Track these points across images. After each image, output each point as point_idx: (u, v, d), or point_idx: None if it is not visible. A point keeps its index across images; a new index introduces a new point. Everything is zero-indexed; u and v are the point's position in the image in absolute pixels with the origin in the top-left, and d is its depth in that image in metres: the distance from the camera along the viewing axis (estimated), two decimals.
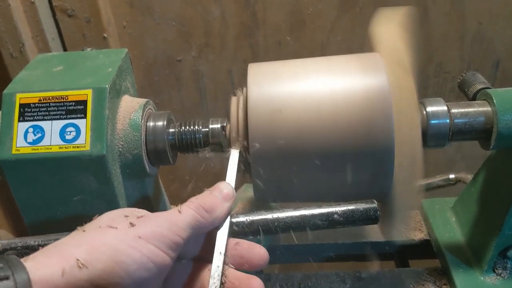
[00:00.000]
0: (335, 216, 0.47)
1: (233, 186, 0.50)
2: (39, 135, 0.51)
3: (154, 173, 0.62)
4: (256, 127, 0.54)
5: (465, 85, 0.63)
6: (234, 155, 0.54)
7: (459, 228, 0.72)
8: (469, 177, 0.74)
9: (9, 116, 0.52)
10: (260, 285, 0.44)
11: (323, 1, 1.03)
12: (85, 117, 0.52)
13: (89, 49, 0.65)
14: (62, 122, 0.52)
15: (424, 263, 0.73)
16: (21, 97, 0.53)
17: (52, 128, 0.52)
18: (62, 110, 0.52)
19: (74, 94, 0.53)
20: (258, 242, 0.47)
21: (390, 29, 0.56)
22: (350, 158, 0.54)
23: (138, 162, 0.56)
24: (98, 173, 0.52)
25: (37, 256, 0.38)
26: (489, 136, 0.56)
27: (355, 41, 1.07)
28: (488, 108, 0.56)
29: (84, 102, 0.52)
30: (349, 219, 0.47)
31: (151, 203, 0.67)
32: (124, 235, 0.40)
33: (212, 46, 1.10)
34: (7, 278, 0.35)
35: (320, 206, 0.47)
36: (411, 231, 0.77)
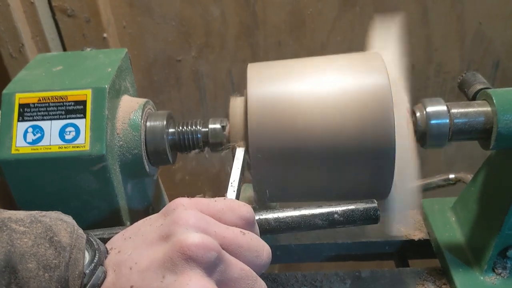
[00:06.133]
0: (335, 216, 0.46)
1: (238, 185, 0.51)
2: (39, 135, 0.51)
3: (154, 173, 0.62)
4: (256, 127, 0.54)
5: (465, 85, 0.63)
6: (239, 154, 0.55)
7: (459, 228, 0.72)
8: (469, 177, 0.74)
9: (8, 116, 0.52)
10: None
11: (323, 1, 1.03)
12: (84, 117, 0.52)
13: (88, 49, 0.65)
14: (62, 122, 0.52)
15: (424, 263, 0.73)
16: (20, 97, 0.53)
17: (51, 128, 0.52)
18: (62, 110, 0.52)
19: (73, 94, 0.53)
20: None
21: (387, 36, 0.57)
22: (350, 158, 0.54)
23: (137, 162, 0.56)
24: (98, 173, 0.52)
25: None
26: (489, 136, 0.56)
27: (355, 41, 1.07)
28: (488, 108, 0.56)
29: (83, 102, 0.52)
30: (349, 219, 0.47)
31: (151, 203, 0.67)
32: None
33: (212, 46, 1.10)
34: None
35: (320, 206, 0.47)
36: (411, 231, 0.77)
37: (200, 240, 0.38)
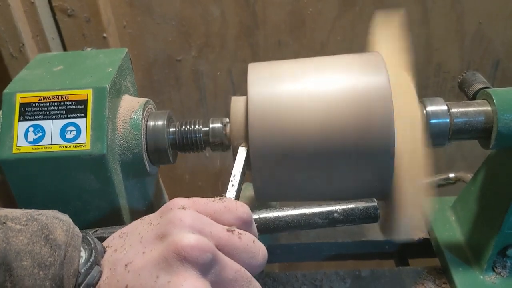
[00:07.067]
0: (335, 214, 0.47)
1: (238, 185, 0.51)
2: (40, 134, 0.52)
3: (155, 172, 0.62)
4: (256, 127, 0.54)
5: (465, 85, 0.63)
6: (241, 153, 0.55)
7: (458, 227, 0.72)
8: (468, 176, 0.74)
9: (9, 116, 0.52)
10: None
11: (323, 1, 1.03)
12: (85, 116, 0.52)
13: (89, 49, 0.65)
14: (63, 122, 0.52)
15: (424, 262, 0.73)
16: (21, 97, 0.53)
17: (52, 127, 0.52)
18: (63, 110, 0.52)
19: (74, 94, 0.53)
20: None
21: (388, 31, 0.57)
22: (350, 157, 0.54)
23: (138, 162, 0.56)
24: (99, 172, 0.52)
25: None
26: (489, 136, 0.56)
27: (355, 41, 1.07)
28: (488, 108, 0.57)
29: (84, 102, 0.52)
30: (349, 218, 0.47)
31: (152, 203, 0.67)
32: None
33: (212, 46, 1.10)
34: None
35: (320, 205, 0.47)
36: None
37: (195, 241, 0.38)
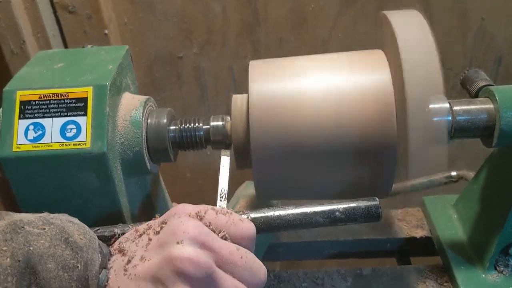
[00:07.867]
0: (337, 213, 0.46)
1: (226, 191, 0.51)
2: (40, 132, 0.51)
3: (155, 170, 0.62)
4: (258, 124, 0.54)
5: (467, 82, 0.63)
6: (225, 162, 0.55)
7: (460, 226, 0.72)
8: (471, 174, 0.74)
9: (9, 114, 0.52)
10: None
11: None
12: (85, 114, 0.52)
13: (89, 46, 0.65)
14: (63, 120, 0.52)
15: (426, 261, 0.73)
16: (21, 94, 0.53)
17: (52, 125, 0.52)
18: (63, 108, 0.52)
19: (74, 92, 0.52)
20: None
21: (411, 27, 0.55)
22: (352, 155, 0.54)
23: (139, 160, 0.56)
24: (99, 170, 0.52)
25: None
26: (491, 134, 0.56)
27: (356, 37, 1.07)
28: (490, 106, 0.56)
29: (84, 100, 0.52)
30: (350, 217, 0.47)
31: (152, 201, 0.67)
32: None
33: (213, 43, 1.10)
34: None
35: (321, 204, 0.47)
36: (412, 229, 0.77)
37: (193, 255, 0.38)
